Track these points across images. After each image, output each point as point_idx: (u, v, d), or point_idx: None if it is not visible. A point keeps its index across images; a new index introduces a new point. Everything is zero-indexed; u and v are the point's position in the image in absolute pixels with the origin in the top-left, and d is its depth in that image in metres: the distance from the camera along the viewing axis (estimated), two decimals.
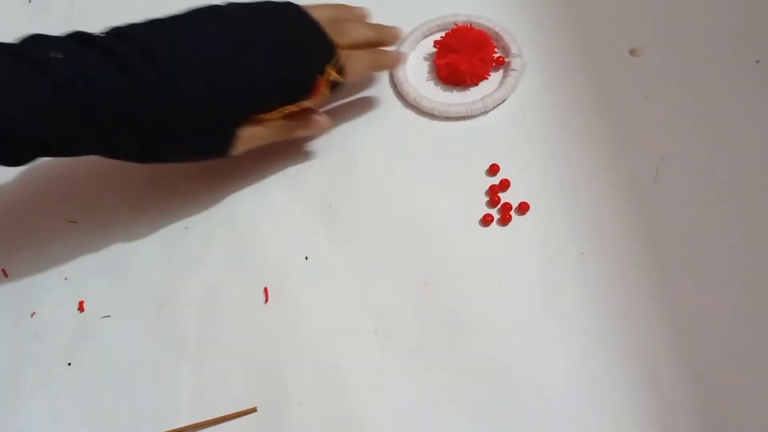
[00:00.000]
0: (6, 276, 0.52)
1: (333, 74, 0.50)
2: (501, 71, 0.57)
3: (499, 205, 0.51)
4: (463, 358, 0.46)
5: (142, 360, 0.48)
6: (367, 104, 0.57)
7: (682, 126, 0.53)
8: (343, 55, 0.50)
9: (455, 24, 0.58)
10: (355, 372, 0.46)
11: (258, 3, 0.51)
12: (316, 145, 0.56)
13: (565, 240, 0.49)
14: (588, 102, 0.55)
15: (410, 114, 0.56)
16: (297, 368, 0.47)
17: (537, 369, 0.45)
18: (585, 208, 0.50)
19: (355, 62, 0.52)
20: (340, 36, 0.51)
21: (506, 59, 0.57)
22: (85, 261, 0.52)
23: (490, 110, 0.55)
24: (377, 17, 0.56)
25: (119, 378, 0.48)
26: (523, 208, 0.51)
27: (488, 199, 0.52)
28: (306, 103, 0.50)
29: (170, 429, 0.45)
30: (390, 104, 0.57)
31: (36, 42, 0.44)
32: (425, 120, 0.55)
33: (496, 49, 0.57)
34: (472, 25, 0.58)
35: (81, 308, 0.50)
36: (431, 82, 0.57)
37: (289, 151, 0.55)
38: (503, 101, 0.55)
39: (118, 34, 0.46)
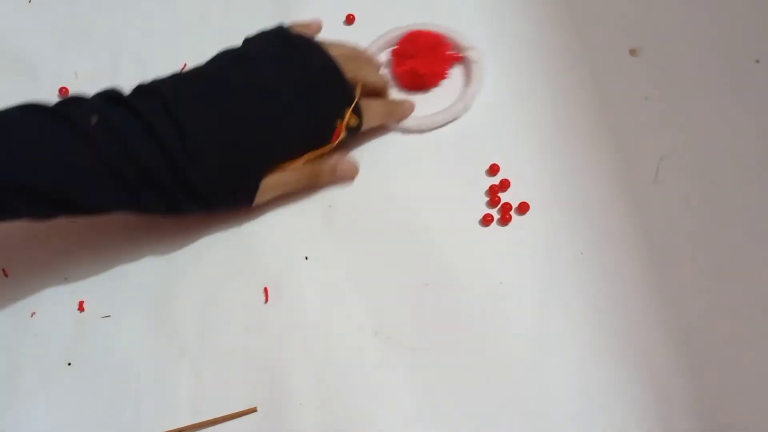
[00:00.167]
0: (6, 276, 0.52)
1: (353, 118, 0.50)
2: (462, 68, 0.57)
3: (499, 205, 0.51)
4: (463, 358, 0.46)
5: (142, 360, 0.48)
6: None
7: (682, 126, 0.53)
8: (360, 101, 0.50)
9: (405, 33, 0.58)
10: (355, 372, 0.46)
11: (275, 39, 0.50)
12: None
13: (565, 240, 0.49)
14: (588, 102, 0.55)
15: (398, 135, 0.56)
16: (297, 368, 0.47)
17: (537, 369, 0.45)
18: (585, 208, 0.50)
19: (370, 110, 0.52)
20: (352, 75, 0.51)
21: (461, 54, 0.57)
22: (85, 261, 0.52)
23: (471, 106, 0.55)
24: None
25: (119, 378, 0.48)
26: (523, 208, 0.51)
27: (488, 199, 0.52)
28: (327, 148, 0.50)
29: (170, 429, 0.45)
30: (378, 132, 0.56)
31: (77, 105, 0.45)
32: (415, 135, 0.55)
33: (450, 48, 0.57)
34: (421, 30, 0.57)
35: (81, 308, 0.50)
36: (394, 94, 0.56)
37: None
38: (479, 94, 0.55)
39: (147, 91, 0.46)
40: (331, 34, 0.61)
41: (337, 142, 0.50)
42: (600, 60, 0.56)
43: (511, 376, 0.45)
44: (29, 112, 0.44)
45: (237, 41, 0.63)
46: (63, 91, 0.60)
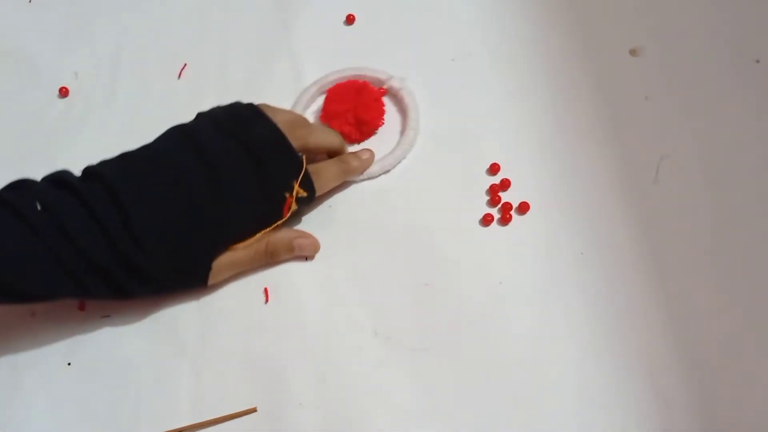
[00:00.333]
0: None
1: (300, 191, 0.48)
2: (391, 100, 0.57)
3: (499, 205, 0.51)
4: (463, 358, 0.46)
5: (142, 360, 0.48)
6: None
7: (682, 126, 0.53)
8: (310, 168, 0.49)
9: (325, 89, 0.57)
10: (355, 372, 0.46)
11: (223, 113, 0.49)
12: None
13: (565, 240, 0.49)
14: (588, 102, 0.55)
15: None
16: (297, 368, 0.47)
17: (537, 369, 0.45)
18: (585, 208, 0.50)
19: (323, 174, 0.50)
20: (303, 142, 0.49)
21: (384, 87, 0.56)
22: None
23: (419, 130, 0.55)
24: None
25: (119, 378, 0.48)
26: (523, 208, 0.51)
27: (488, 198, 0.52)
28: (279, 223, 0.48)
29: (170, 429, 0.45)
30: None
31: (22, 191, 0.44)
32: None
33: (371, 86, 0.56)
34: (337, 84, 0.56)
35: (81, 308, 0.50)
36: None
37: None
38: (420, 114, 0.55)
39: (92, 174, 0.46)
40: (331, 34, 0.61)
41: (288, 215, 0.48)
42: (600, 60, 0.56)
43: (511, 376, 0.45)
44: None
45: (237, 41, 0.63)
46: (63, 91, 0.60)
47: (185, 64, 0.61)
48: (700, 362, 0.44)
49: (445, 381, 0.45)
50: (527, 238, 0.50)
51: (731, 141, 0.51)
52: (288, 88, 0.58)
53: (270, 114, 0.49)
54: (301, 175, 0.48)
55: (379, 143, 0.55)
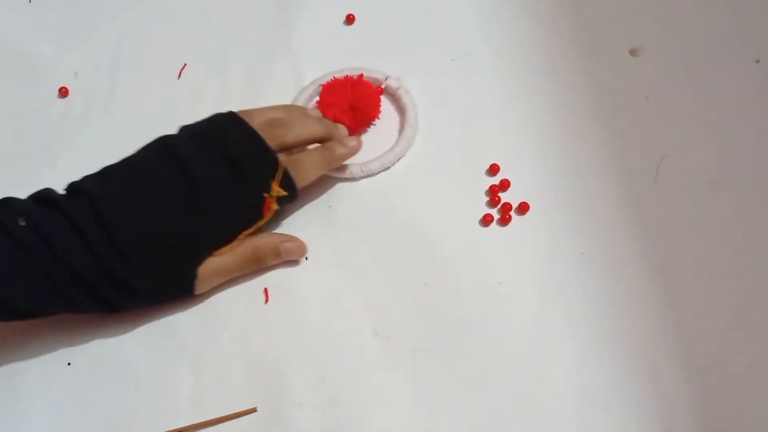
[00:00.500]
0: None
1: (278, 190, 0.48)
2: (389, 100, 0.57)
3: (499, 205, 0.51)
4: (463, 359, 0.46)
5: (142, 360, 0.48)
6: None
7: (682, 126, 0.53)
8: (288, 163, 0.48)
9: (320, 85, 0.56)
10: (355, 372, 0.46)
11: (203, 122, 0.49)
12: None
13: (565, 240, 0.49)
14: (588, 102, 0.55)
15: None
16: (297, 368, 0.47)
17: (537, 369, 0.45)
18: (585, 208, 0.50)
19: (303, 166, 0.49)
20: (281, 141, 0.49)
21: (382, 86, 0.57)
22: None
23: (419, 128, 0.55)
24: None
25: (119, 378, 0.48)
26: (523, 208, 0.51)
27: (488, 199, 0.52)
28: (260, 223, 0.48)
29: (170, 429, 0.45)
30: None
31: (5, 208, 0.44)
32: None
33: (368, 83, 0.56)
34: (332, 79, 0.56)
35: None
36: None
37: None
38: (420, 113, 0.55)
39: (76, 190, 0.46)
40: (331, 34, 0.61)
41: (269, 215, 0.48)
42: (600, 60, 0.56)
43: (511, 376, 0.45)
44: None
45: (237, 41, 0.63)
46: (63, 91, 0.60)
47: (185, 64, 0.61)
48: (700, 362, 0.44)
49: (445, 381, 0.45)
50: (527, 239, 0.50)
51: (731, 141, 0.51)
52: (288, 88, 0.58)
53: (248, 118, 0.49)
54: (280, 174, 0.48)
55: (379, 142, 0.55)
